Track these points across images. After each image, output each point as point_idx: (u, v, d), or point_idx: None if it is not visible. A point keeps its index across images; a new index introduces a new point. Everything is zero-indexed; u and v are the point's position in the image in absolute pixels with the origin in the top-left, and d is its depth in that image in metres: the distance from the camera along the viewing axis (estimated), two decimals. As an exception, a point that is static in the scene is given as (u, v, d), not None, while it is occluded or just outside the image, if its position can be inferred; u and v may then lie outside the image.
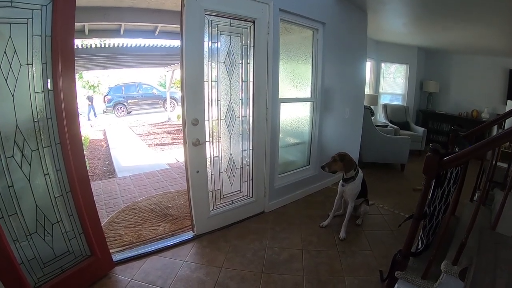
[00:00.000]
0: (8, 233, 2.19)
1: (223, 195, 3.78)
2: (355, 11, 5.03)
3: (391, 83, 8.99)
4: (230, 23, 3.45)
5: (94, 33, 7.51)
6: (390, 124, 7.38)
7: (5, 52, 2.11)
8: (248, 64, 3.69)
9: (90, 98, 18.06)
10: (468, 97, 8.14)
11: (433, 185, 2.24)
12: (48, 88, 2.36)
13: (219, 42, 3.41)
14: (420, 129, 7.61)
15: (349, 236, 3.56)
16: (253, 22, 3.59)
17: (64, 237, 2.58)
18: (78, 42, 9.07)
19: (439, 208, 2.40)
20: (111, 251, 3.03)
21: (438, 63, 8.63)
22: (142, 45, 10.45)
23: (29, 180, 2.33)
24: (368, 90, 8.14)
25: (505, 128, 5.08)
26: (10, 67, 2.14)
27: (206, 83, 3.32)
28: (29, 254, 2.35)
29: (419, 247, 2.47)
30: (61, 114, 2.41)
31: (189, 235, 3.58)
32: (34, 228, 2.38)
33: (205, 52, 3.25)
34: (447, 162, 1.99)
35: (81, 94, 19.17)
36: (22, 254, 2.30)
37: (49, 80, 2.35)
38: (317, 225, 3.82)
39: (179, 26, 3.11)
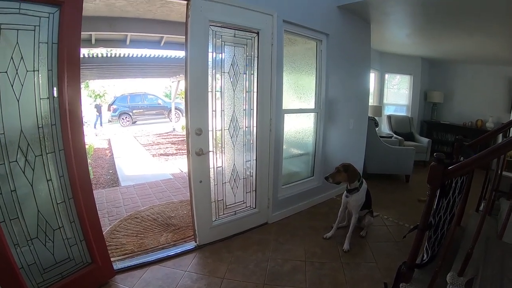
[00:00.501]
0: (9, 237, 2.20)
1: (226, 206, 3.76)
2: (359, 22, 5.05)
3: (395, 94, 8.98)
4: (234, 34, 3.47)
5: (100, 42, 7.59)
6: (395, 135, 7.35)
7: (12, 58, 2.15)
8: (252, 75, 3.70)
9: (98, 107, 18.19)
10: (472, 106, 8.11)
11: (438, 195, 2.21)
12: (53, 95, 2.38)
13: (223, 53, 3.44)
14: (425, 140, 7.58)
15: (353, 248, 3.53)
16: (257, 33, 3.62)
17: (65, 243, 2.59)
18: (84, 51, 9.14)
19: (444, 218, 2.37)
20: (112, 259, 3.03)
21: (442, 73, 8.63)
22: (147, 56, 10.51)
23: (31, 185, 2.35)
24: (372, 101, 8.16)
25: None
26: (17, 73, 2.18)
27: (210, 93, 3.34)
28: (29, 259, 2.35)
29: (424, 259, 2.44)
30: (66, 121, 2.44)
31: (191, 245, 3.56)
32: (35, 233, 2.39)
33: (209, 62, 3.28)
34: (452, 171, 1.97)
35: (87, 103, 19.36)
36: (22, 259, 2.30)
37: (55, 88, 2.38)
38: (321, 237, 3.78)
39: (184, 37, 3.14)
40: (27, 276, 2.32)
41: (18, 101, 2.21)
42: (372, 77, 7.87)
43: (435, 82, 8.75)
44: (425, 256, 2.46)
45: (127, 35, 7.20)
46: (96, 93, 23.00)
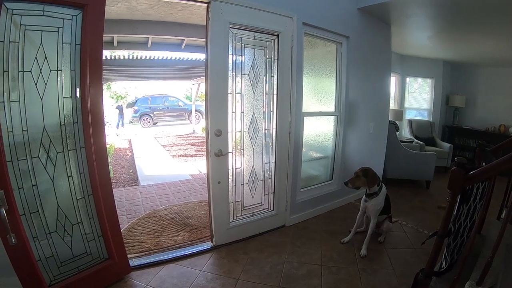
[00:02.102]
0: (28, 230, 2.28)
1: (243, 207, 3.77)
2: (379, 24, 5.00)
3: (417, 98, 8.84)
4: (254, 36, 3.49)
5: (122, 45, 7.74)
6: (416, 140, 7.24)
7: (36, 58, 2.23)
8: (272, 77, 3.71)
9: (120, 108, 18.51)
10: (495, 111, 7.87)
11: (458, 201, 2.17)
12: (76, 95, 2.46)
13: (243, 55, 3.46)
14: (446, 145, 7.42)
15: (371, 253, 3.48)
16: (277, 36, 3.63)
17: (83, 238, 2.65)
18: (107, 53, 9.33)
19: (464, 225, 2.32)
20: (129, 256, 3.08)
21: (464, 77, 8.44)
22: (169, 58, 10.64)
23: (52, 181, 2.42)
24: (393, 105, 8.05)
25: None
26: (40, 72, 2.27)
27: (230, 95, 3.37)
28: (47, 252, 2.42)
29: (442, 266, 2.39)
30: (87, 120, 2.50)
31: (207, 245, 3.58)
32: (54, 228, 2.46)
33: (229, 64, 3.31)
34: (473, 176, 1.93)
35: (109, 104, 19.72)
36: (40, 252, 2.38)
37: (78, 89, 2.45)
38: (338, 241, 3.75)
39: (205, 39, 3.17)
40: (44, 268, 2.39)
41: (41, 100, 2.30)
42: (393, 80, 7.78)
43: (457, 86, 8.57)
44: (444, 264, 2.41)
45: (148, 37, 7.32)
46: (118, 95, 23.38)
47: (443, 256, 2.44)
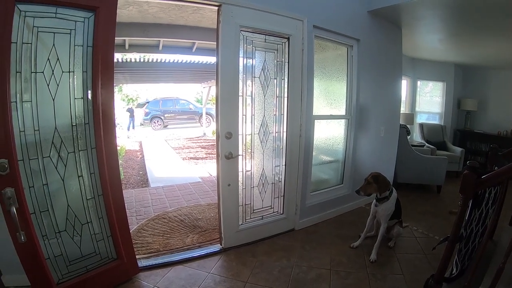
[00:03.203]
0: (38, 228, 2.30)
1: (253, 210, 3.77)
2: (390, 27, 4.97)
3: (428, 101, 8.75)
4: (265, 39, 3.50)
5: (134, 47, 7.80)
6: (427, 144, 7.17)
7: (48, 59, 2.27)
8: (282, 80, 3.71)
9: (130, 111, 18.69)
10: (507, 115, 7.75)
11: (470, 206, 2.14)
12: (88, 97, 2.49)
13: (254, 58, 3.47)
14: (458, 149, 7.32)
15: (380, 259, 3.44)
16: (288, 39, 3.63)
17: (92, 238, 2.67)
18: (118, 56, 9.41)
19: (476, 230, 2.28)
20: (137, 257, 3.10)
21: (476, 80, 8.33)
22: (180, 61, 10.70)
23: (63, 180, 2.45)
24: (404, 108, 7.98)
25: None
26: (53, 73, 2.30)
27: (240, 98, 3.38)
28: (56, 251, 2.45)
29: (453, 272, 2.36)
30: (99, 121, 2.53)
31: (216, 247, 3.58)
32: (64, 227, 2.49)
33: (240, 67, 3.31)
34: (486, 180, 1.90)
35: (120, 107, 19.91)
36: (49, 250, 2.40)
37: (89, 92, 2.47)
38: (348, 246, 3.72)
39: (215, 42, 3.18)
40: (52, 266, 2.42)
41: (53, 100, 2.33)
42: (404, 84, 7.72)
43: (468, 89, 8.47)
44: (454, 270, 2.37)
45: (159, 40, 7.37)
46: (129, 97, 23.57)
47: (454, 262, 2.40)
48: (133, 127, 18.46)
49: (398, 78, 5.45)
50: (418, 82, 8.45)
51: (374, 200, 3.61)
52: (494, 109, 8.11)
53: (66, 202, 2.49)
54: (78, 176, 2.54)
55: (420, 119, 8.61)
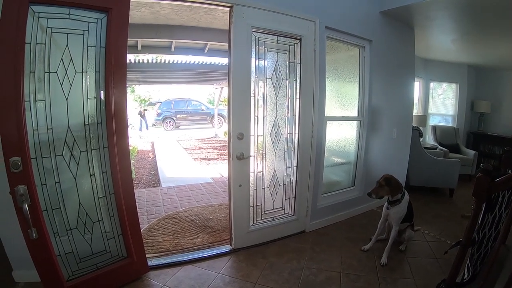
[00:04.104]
0: (49, 225, 2.34)
1: (264, 211, 3.76)
2: (402, 28, 4.92)
3: (441, 103, 8.65)
4: (277, 40, 3.50)
5: (146, 49, 7.88)
6: (440, 147, 7.07)
7: (61, 59, 2.30)
8: (294, 81, 3.70)
9: (141, 113, 18.87)
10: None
11: (483, 210, 2.10)
12: (101, 98, 2.52)
13: (266, 59, 3.47)
14: (471, 152, 7.20)
15: (391, 262, 3.40)
16: (300, 40, 3.61)
17: (103, 236, 2.70)
18: (131, 57, 9.48)
19: (489, 235, 2.23)
20: (147, 256, 3.12)
21: (489, 82, 8.19)
22: (192, 62, 10.74)
23: (75, 179, 2.49)
24: (416, 110, 7.90)
25: None
26: (66, 73, 2.34)
27: (252, 99, 3.38)
28: (67, 248, 2.48)
29: (465, 277, 2.31)
30: (111, 120, 2.55)
31: (226, 248, 3.58)
32: (75, 224, 2.52)
33: (252, 68, 3.31)
34: (499, 183, 1.86)
35: (133, 107, 20.11)
36: (60, 247, 2.44)
37: (102, 92, 2.50)
38: (359, 249, 3.68)
39: (227, 43, 3.19)
40: (63, 263, 2.45)
41: (66, 100, 2.37)
42: (417, 85, 7.64)
43: (482, 91, 8.32)
44: (466, 275, 2.33)
45: (172, 42, 7.43)
46: (141, 98, 23.77)
47: (466, 267, 2.36)
48: (147, 128, 18.64)
49: (410, 79, 5.39)
50: (431, 84, 8.35)
51: (386, 203, 3.57)
52: (508, 111, 7.96)
53: (77, 200, 2.52)
54: (90, 175, 2.57)
55: (433, 121, 8.52)
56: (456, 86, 8.24)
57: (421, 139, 6.09)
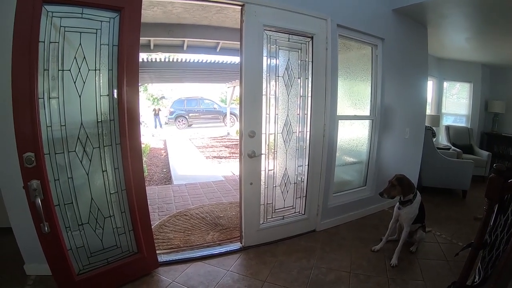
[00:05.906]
0: (61, 220, 2.38)
1: (274, 209, 3.76)
2: (415, 26, 4.87)
3: (455, 103, 8.51)
4: (289, 38, 3.49)
5: (159, 47, 7.94)
6: (453, 147, 6.96)
7: (75, 58, 2.35)
8: (306, 80, 3.69)
9: (155, 112, 19.09)
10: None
11: (495, 211, 2.06)
12: (113, 95, 2.56)
13: (277, 57, 3.47)
14: (485, 153, 7.09)
15: (401, 263, 3.36)
16: (311, 38, 3.60)
17: (114, 231, 2.74)
18: (143, 56, 9.58)
19: (501, 237, 2.19)
20: (158, 252, 3.15)
21: (504, 81, 8.01)
22: (204, 61, 10.79)
23: (88, 175, 2.53)
24: (429, 110, 7.81)
25: None
26: (79, 71, 2.38)
27: (264, 97, 3.38)
28: (79, 243, 2.53)
29: (475, 280, 2.27)
30: (124, 117, 2.58)
31: (236, 246, 3.59)
32: (87, 219, 2.56)
33: (263, 66, 3.31)
34: (513, 184, 1.83)
35: (145, 106, 20.33)
36: (72, 241, 2.48)
37: (115, 90, 2.54)
38: (369, 249, 3.66)
39: (239, 42, 3.20)
40: (74, 257, 2.49)
41: (79, 97, 2.41)
42: (430, 84, 7.54)
43: (496, 90, 8.15)
44: (477, 277, 2.29)
45: (184, 41, 7.48)
46: (154, 97, 23.95)
47: (477, 270, 2.32)
48: (161, 126, 18.82)
49: (423, 78, 5.33)
50: (445, 83, 8.24)
51: (397, 203, 3.53)
52: (524, 112, 7.81)
53: (90, 196, 2.56)
54: (102, 171, 2.61)
55: (446, 121, 8.40)
56: (470, 86, 8.10)
57: (434, 139, 6.02)
